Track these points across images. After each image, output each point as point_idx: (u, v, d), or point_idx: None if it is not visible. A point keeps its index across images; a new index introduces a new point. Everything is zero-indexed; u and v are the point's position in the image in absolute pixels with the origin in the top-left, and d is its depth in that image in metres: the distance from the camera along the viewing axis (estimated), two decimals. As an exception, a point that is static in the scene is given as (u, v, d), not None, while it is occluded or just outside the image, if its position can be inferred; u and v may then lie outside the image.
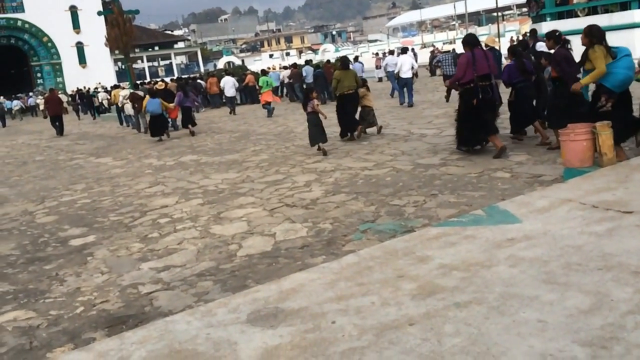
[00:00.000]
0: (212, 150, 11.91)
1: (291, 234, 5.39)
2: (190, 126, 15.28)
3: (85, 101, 31.51)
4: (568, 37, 7.58)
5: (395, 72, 16.84)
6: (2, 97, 38.37)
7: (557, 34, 7.54)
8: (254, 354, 2.77)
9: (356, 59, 30.97)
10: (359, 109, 10.99)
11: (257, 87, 21.16)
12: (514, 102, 8.34)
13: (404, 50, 18.61)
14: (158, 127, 14.96)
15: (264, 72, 22.08)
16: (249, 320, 3.13)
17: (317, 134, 9.55)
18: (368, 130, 11.11)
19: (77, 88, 38.55)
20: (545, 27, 21.09)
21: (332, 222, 5.62)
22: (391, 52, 21.15)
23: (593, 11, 20.06)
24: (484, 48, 8.39)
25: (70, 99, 35.38)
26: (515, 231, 4.04)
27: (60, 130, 20.30)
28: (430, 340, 2.69)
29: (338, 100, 10.82)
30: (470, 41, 7.84)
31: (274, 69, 31.46)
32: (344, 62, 11.15)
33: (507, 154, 7.58)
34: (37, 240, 6.33)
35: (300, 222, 5.73)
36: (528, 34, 17.00)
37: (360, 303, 3.17)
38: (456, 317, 2.88)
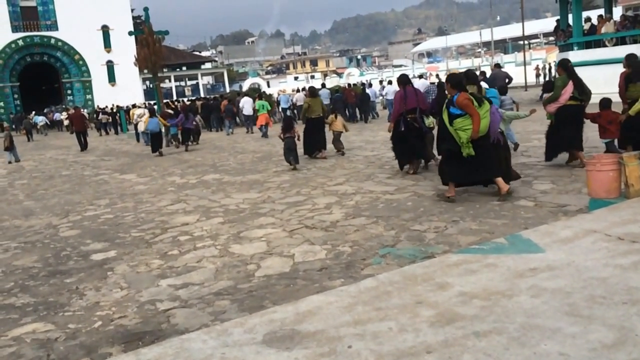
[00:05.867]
0: (234, 169, 12.00)
1: (310, 256, 5.37)
2: (187, 143, 17.62)
3: (110, 120, 32.65)
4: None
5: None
6: (33, 113, 39.29)
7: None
8: (269, 375, 2.75)
9: (380, 82, 31.30)
10: (333, 133, 12.62)
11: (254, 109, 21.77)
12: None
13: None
14: (156, 143, 16.74)
15: (260, 96, 22.99)
16: (265, 341, 3.10)
17: (292, 155, 11.09)
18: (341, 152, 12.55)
19: (98, 106, 39.92)
20: (573, 56, 20.98)
21: (351, 245, 5.59)
22: (390, 82, 22.32)
23: (621, 41, 19.83)
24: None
25: (95, 115, 36.22)
26: (538, 261, 3.97)
27: (85, 145, 21.18)
28: (448, 370, 2.64)
29: (306, 124, 12.40)
30: (403, 80, 9.25)
31: (284, 92, 32.05)
32: (312, 91, 13.16)
33: (416, 173, 9.02)
34: (59, 254, 6.41)
35: (320, 244, 5.71)
36: (553, 63, 17.38)
37: (378, 328, 3.13)
38: (475, 347, 2.82)
